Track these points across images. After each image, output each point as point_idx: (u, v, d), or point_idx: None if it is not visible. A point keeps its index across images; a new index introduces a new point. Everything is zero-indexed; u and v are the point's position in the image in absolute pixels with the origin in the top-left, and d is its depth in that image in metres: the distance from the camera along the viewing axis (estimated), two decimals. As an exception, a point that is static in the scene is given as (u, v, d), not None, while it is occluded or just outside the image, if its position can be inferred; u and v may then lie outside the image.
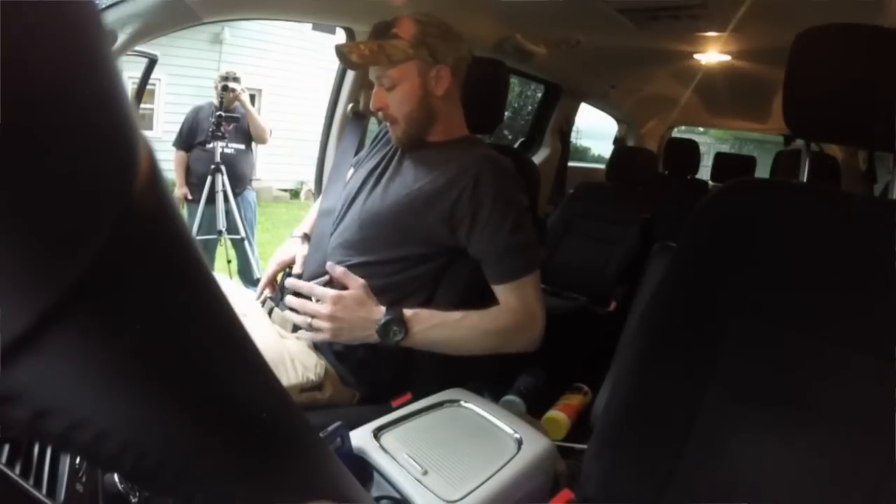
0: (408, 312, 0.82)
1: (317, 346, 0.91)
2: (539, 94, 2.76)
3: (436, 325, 0.83)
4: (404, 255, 0.88)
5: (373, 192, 0.93)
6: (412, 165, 0.92)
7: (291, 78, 6.43)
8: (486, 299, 0.87)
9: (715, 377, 0.59)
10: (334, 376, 0.90)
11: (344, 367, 0.90)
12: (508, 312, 0.84)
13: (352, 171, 1.07)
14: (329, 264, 0.87)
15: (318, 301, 0.84)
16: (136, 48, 1.08)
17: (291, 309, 0.86)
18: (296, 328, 0.94)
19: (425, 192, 0.87)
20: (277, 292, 1.00)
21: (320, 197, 1.15)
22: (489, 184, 0.85)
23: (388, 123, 0.94)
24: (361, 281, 0.83)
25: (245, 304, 1.00)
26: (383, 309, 0.82)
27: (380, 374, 0.90)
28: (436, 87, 0.88)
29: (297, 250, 1.03)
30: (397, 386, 0.87)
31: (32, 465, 0.38)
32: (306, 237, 1.06)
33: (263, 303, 1.01)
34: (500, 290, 0.86)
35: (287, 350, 0.87)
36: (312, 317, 0.83)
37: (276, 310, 0.97)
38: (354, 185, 0.98)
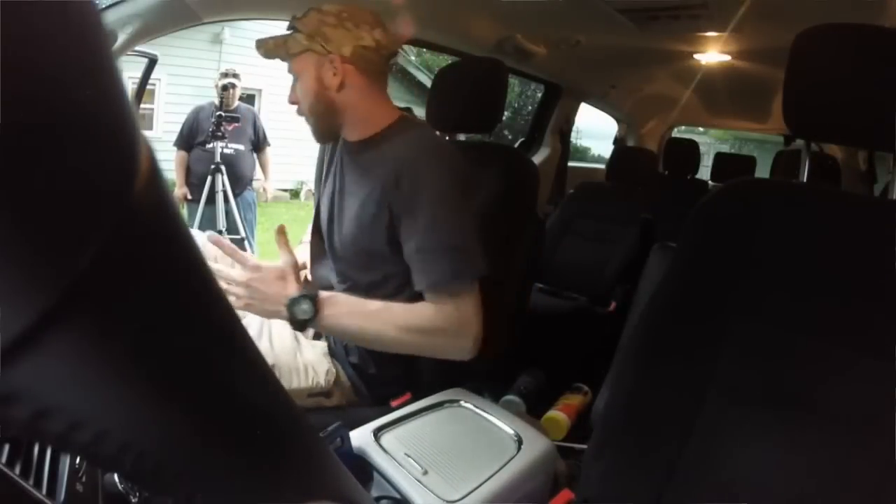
0: (324, 294, 0.77)
1: (333, 355, 0.91)
2: (539, 94, 2.76)
3: (349, 313, 0.77)
4: (382, 275, 0.85)
5: (334, 221, 0.90)
6: (355, 176, 0.88)
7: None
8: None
9: (715, 377, 0.59)
10: (346, 385, 0.90)
11: (360, 379, 0.90)
12: (438, 313, 0.77)
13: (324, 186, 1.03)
14: (210, 233, 0.82)
15: (239, 268, 0.80)
16: (136, 48, 1.08)
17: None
18: (317, 335, 0.94)
19: (366, 209, 0.82)
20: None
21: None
22: (420, 172, 0.78)
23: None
24: (293, 259, 0.79)
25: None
26: (297, 286, 0.78)
27: (389, 385, 0.89)
28: (332, 80, 0.82)
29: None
30: (397, 386, 0.87)
31: (32, 465, 0.38)
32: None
33: None
34: (430, 297, 0.78)
35: (302, 356, 0.87)
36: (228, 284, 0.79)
37: None
38: (325, 211, 0.94)
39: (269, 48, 0.85)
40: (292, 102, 0.88)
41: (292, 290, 0.76)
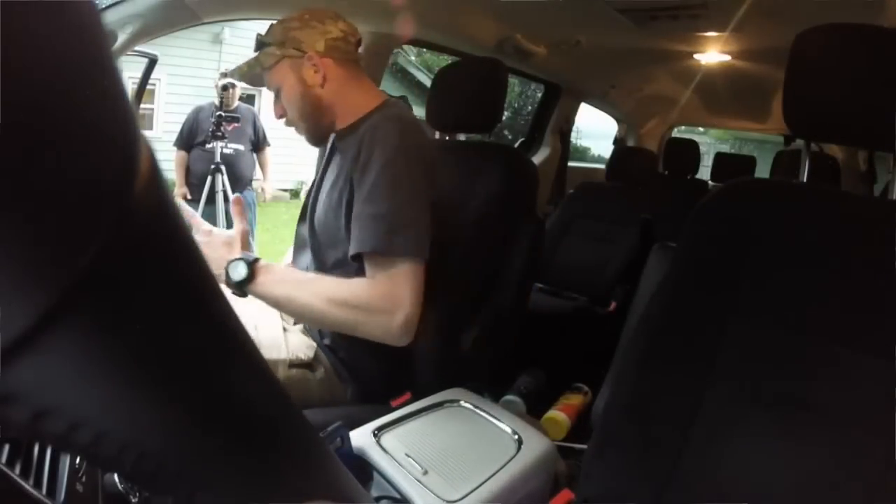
0: (262, 262, 0.77)
1: (311, 336, 0.93)
2: (539, 94, 2.76)
3: (281, 281, 0.77)
4: (344, 252, 0.83)
5: (316, 201, 0.92)
6: (335, 162, 0.90)
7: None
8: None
9: (715, 377, 0.59)
10: (327, 365, 0.91)
11: (337, 361, 0.91)
12: (370, 288, 0.75)
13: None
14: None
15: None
16: (136, 48, 1.08)
17: None
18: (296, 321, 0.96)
19: (336, 186, 0.84)
20: None
21: None
22: (376, 145, 0.77)
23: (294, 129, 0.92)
24: (243, 228, 0.81)
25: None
26: (240, 251, 0.79)
27: (370, 374, 0.90)
28: (315, 78, 0.84)
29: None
30: (397, 386, 0.87)
31: (32, 465, 0.38)
32: None
33: None
34: (369, 266, 0.77)
35: (285, 333, 0.90)
36: None
37: None
38: (309, 200, 0.97)
39: (243, 71, 0.87)
40: (280, 116, 0.90)
41: (234, 251, 0.79)
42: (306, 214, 0.96)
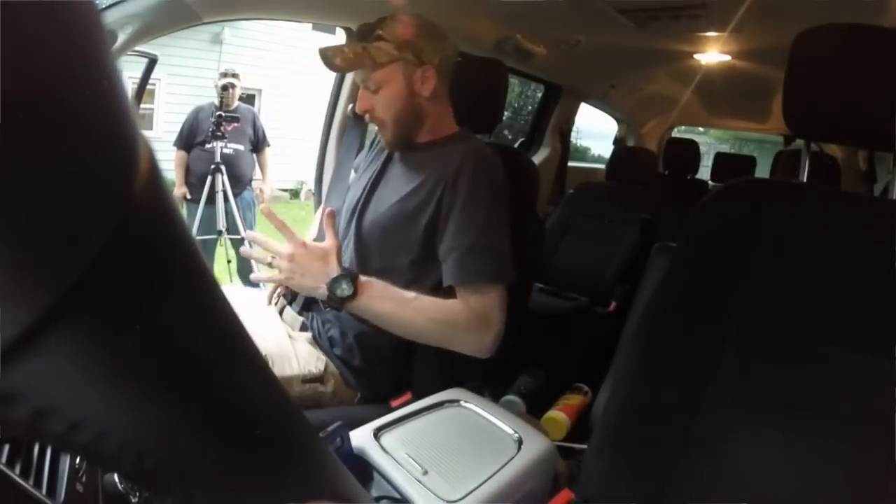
0: (363, 278, 0.81)
1: (320, 347, 0.92)
2: (539, 94, 2.76)
3: (385, 297, 0.81)
4: (402, 263, 0.88)
5: (368, 203, 0.93)
6: (404, 169, 0.92)
7: (291, 78, 6.42)
8: None
9: (715, 377, 0.59)
10: (336, 374, 0.91)
11: (346, 370, 0.91)
12: (464, 310, 0.82)
13: (353, 174, 1.07)
14: (249, 232, 0.87)
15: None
16: (136, 48, 1.08)
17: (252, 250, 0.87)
18: (304, 327, 0.96)
19: (414, 197, 0.87)
20: (289, 292, 1.00)
21: (324, 201, 1.15)
22: (467, 179, 0.83)
23: (376, 126, 0.93)
24: (336, 241, 0.82)
25: (254, 301, 1.01)
26: (339, 267, 0.81)
27: (378, 380, 0.91)
28: (422, 88, 0.87)
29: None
30: (397, 386, 0.87)
31: (32, 465, 0.38)
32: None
33: (276, 302, 1.02)
34: (460, 293, 0.82)
35: (294, 346, 0.89)
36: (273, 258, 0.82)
37: (288, 309, 0.98)
38: (354, 196, 0.97)
39: (348, 60, 0.85)
40: (365, 111, 0.90)
41: (333, 268, 0.80)
42: (346, 219, 0.96)
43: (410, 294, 0.82)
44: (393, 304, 0.81)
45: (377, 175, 0.95)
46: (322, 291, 0.80)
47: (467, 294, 0.82)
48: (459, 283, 0.81)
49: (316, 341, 0.93)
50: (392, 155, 0.95)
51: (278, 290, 1.04)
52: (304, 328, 0.95)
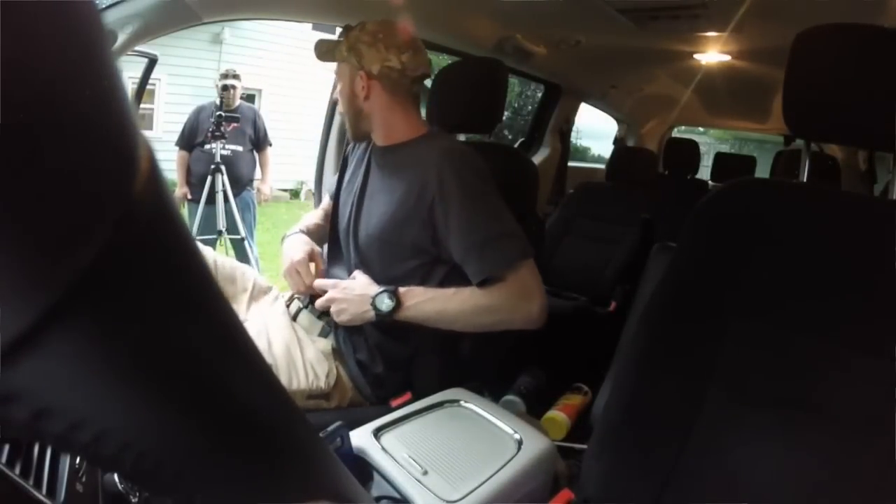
0: (402, 288, 0.85)
1: (338, 354, 0.93)
2: (539, 94, 2.76)
3: (429, 299, 0.84)
4: (406, 268, 0.89)
5: (360, 218, 0.95)
6: (384, 178, 0.94)
7: (291, 78, 6.42)
8: None
9: (715, 377, 0.59)
10: (347, 385, 0.91)
11: (363, 377, 0.92)
12: (506, 291, 0.83)
13: (346, 167, 1.08)
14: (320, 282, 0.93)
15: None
16: (136, 48, 1.08)
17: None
18: (324, 331, 0.97)
19: (403, 206, 0.88)
20: (305, 296, 1.00)
21: (323, 200, 1.15)
22: (453, 181, 0.85)
23: None
24: (366, 278, 0.89)
25: (267, 306, 1.01)
26: (378, 287, 0.87)
27: (397, 388, 0.91)
28: (360, 92, 0.90)
29: (309, 248, 1.01)
30: (398, 386, 0.87)
31: (32, 465, 0.38)
32: (308, 232, 1.06)
33: (289, 304, 1.01)
34: (494, 282, 0.84)
35: (303, 355, 0.89)
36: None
37: (304, 312, 0.98)
38: (345, 209, 0.99)
39: (322, 51, 0.94)
40: (335, 100, 1.00)
41: (372, 290, 0.86)
42: (336, 227, 1.00)
43: (450, 290, 0.85)
44: (437, 303, 0.84)
45: (361, 189, 0.97)
46: (370, 314, 0.84)
47: (500, 280, 0.84)
48: (490, 275, 0.83)
49: (336, 350, 0.94)
50: (370, 166, 0.98)
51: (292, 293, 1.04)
52: (323, 333, 0.96)
